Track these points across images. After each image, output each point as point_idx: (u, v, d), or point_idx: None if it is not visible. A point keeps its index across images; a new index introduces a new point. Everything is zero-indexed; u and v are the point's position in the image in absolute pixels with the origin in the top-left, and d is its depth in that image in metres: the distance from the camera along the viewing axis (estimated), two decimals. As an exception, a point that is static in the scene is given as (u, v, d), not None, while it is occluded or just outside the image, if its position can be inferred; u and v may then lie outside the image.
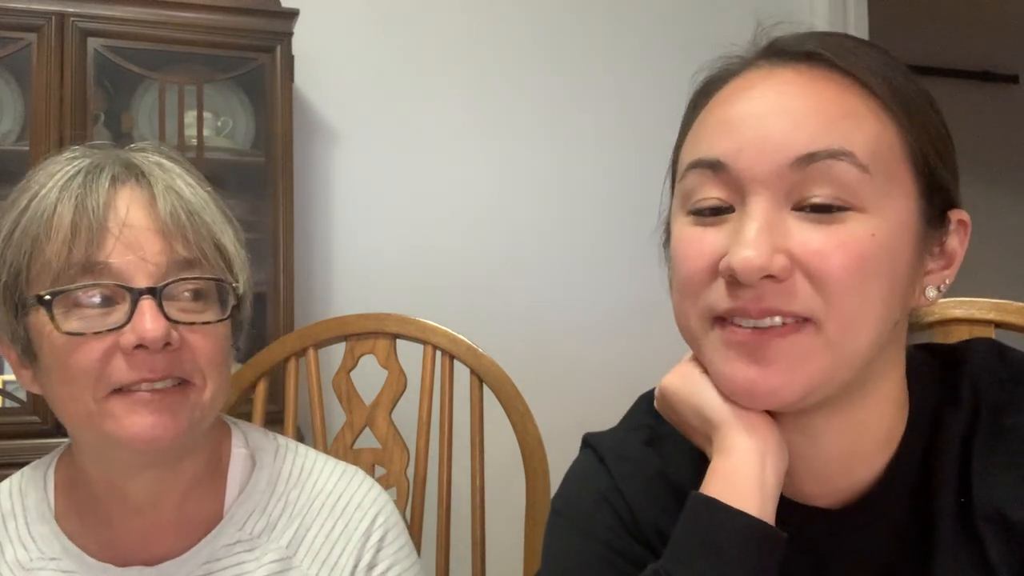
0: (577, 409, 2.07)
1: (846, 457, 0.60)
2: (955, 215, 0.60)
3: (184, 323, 0.70)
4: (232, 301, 0.74)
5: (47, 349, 0.70)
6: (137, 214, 0.70)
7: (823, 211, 0.54)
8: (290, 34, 1.71)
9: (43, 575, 0.75)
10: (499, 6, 2.14)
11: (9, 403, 1.55)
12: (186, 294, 0.72)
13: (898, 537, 0.60)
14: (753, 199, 0.55)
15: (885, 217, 0.55)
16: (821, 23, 2.32)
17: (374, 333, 1.25)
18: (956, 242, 0.60)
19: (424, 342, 1.23)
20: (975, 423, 0.59)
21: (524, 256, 2.13)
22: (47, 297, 0.68)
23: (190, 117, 1.69)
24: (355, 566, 0.79)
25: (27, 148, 1.55)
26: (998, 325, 0.90)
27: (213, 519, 0.78)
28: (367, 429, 1.25)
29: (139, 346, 0.68)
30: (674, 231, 0.61)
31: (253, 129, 1.80)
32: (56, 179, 0.71)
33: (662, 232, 0.67)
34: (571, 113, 2.18)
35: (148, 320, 0.67)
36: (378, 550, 0.80)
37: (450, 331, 1.22)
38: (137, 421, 0.68)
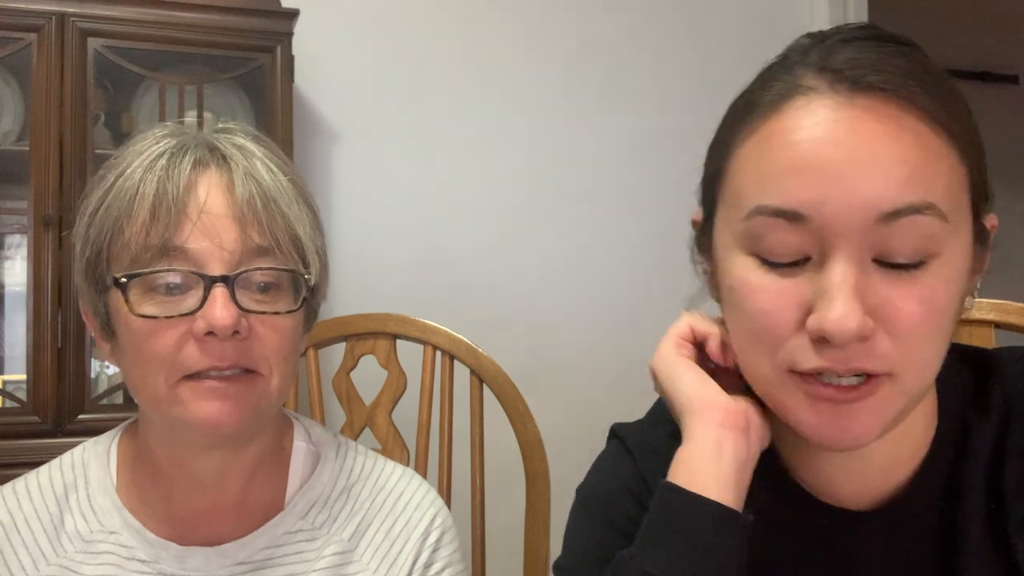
0: (577, 409, 2.07)
1: (888, 466, 0.61)
2: (989, 221, 0.60)
3: (255, 312, 0.71)
4: (304, 293, 0.74)
5: (123, 330, 0.71)
6: (215, 200, 0.70)
7: (904, 267, 0.53)
8: (290, 34, 1.71)
9: (102, 547, 0.75)
10: (498, 7, 2.14)
11: (9, 403, 1.55)
12: (259, 283, 0.72)
13: (926, 540, 0.61)
14: (838, 254, 0.53)
15: (954, 254, 0.54)
16: (822, 23, 2.32)
17: (374, 333, 1.25)
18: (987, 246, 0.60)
19: (424, 342, 1.23)
20: (1007, 431, 0.60)
21: (524, 256, 2.13)
22: (123, 280, 0.69)
23: (190, 117, 1.69)
24: (414, 563, 0.80)
25: (27, 148, 1.55)
26: (998, 325, 0.90)
27: (273, 507, 0.79)
28: (367, 429, 1.25)
29: (209, 333, 0.68)
30: (735, 269, 0.58)
31: (253, 129, 1.80)
32: (142, 159, 0.71)
33: (694, 238, 0.66)
34: (570, 113, 2.18)
35: (219, 308, 0.68)
36: (435, 550, 0.82)
37: (450, 331, 1.22)
38: (204, 407, 0.69)
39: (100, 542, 0.75)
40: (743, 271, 0.57)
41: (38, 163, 1.53)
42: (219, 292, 0.68)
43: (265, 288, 0.72)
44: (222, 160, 0.73)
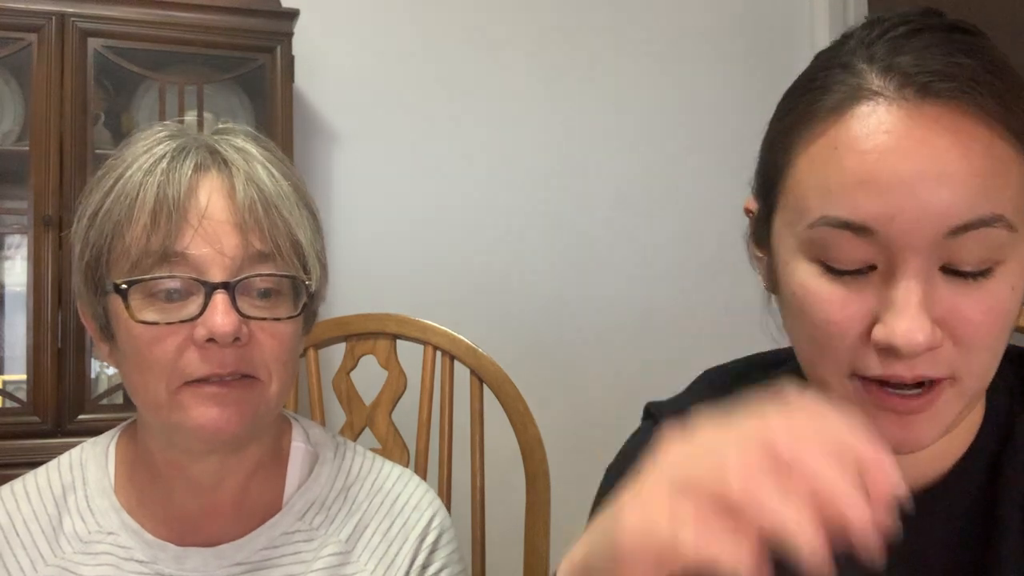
0: (577, 409, 2.07)
1: (933, 457, 0.62)
2: None
3: (255, 318, 0.70)
4: (304, 298, 0.74)
5: (123, 335, 0.71)
6: (216, 205, 0.70)
7: (971, 276, 0.53)
8: (290, 34, 1.71)
9: (100, 548, 0.75)
10: (499, 7, 2.14)
11: (9, 403, 1.55)
12: (260, 290, 0.71)
13: (963, 529, 0.61)
14: (906, 267, 0.53)
15: (1019, 262, 0.54)
16: (821, 23, 2.32)
17: (374, 333, 1.25)
18: None
19: (424, 342, 1.23)
20: None
21: (525, 256, 2.13)
22: (123, 286, 0.69)
23: (190, 117, 1.69)
24: (411, 564, 0.80)
25: (27, 148, 1.55)
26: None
27: (271, 507, 0.79)
28: (367, 429, 1.25)
29: (210, 340, 0.68)
30: (797, 275, 0.57)
31: (253, 129, 1.80)
32: (141, 162, 0.71)
33: (749, 230, 0.65)
34: (574, 113, 2.18)
35: (219, 315, 0.67)
36: (432, 551, 0.82)
37: (450, 331, 1.22)
38: (204, 412, 0.69)
39: (98, 543, 0.75)
40: (806, 278, 0.56)
41: (38, 163, 1.53)
42: (220, 299, 0.68)
43: (265, 294, 0.72)
44: (223, 164, 0.72)
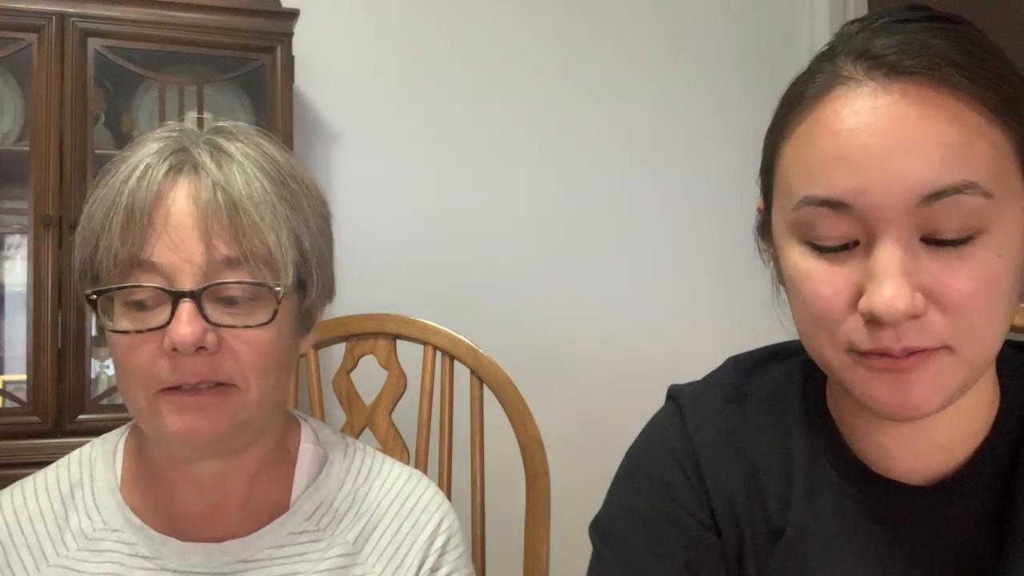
0: (577, 409, 2.07)
1: (948, 444, 0.63)
2: None
3: (225, 326, 0.69)
4: (275, 305, 0.71)
5: (108, 342, 0.72)
6: (182, 212, 0.69)
7: (952, 244, 0.54)
8: (290, 34, 1.71)
9: (105, 545, 0.75)
10: (500, 6, 2.14)
11: (9, 403, 1.55)
12: (231, 296, 0.70)
13: (978, 520, 0.62)
14: (884, 238, 0.55)
15: (1006, 231, 0.55)
16: (821, 23, 2.32)
17: (374, 334, 1.25)
18: None
19: (424, 342, 1.23)
20: None
21: (524, 256, 2.13)
22: (93, 296, 0.69)
23: (191, 115, 1.69)
24: (420, 567, 0.80)
25: (27, 148, 1.55)
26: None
27: (278, 508, 0.79)
28: (367, 429, 1.25)
29: (176, 349, 0.68)
30: (790, 258, 0.60)
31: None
32: (123, 168, 0.71)
33: (757, 224, 0.68)
34: (573, 113, 2.18)
35: (181, 325, 0.67)
36: (442, 554, 0.81)
37: (450, 331, 1.22)
38: (176, 420, 0.69)
39: (103, 540, 0.76)
40: (797, 259, 0.59)
41: (38, 163, 1.53)
42: (184, 308, 0.68)
43: (239, 300, 0.70)
44: (193, 169, 0.71)
